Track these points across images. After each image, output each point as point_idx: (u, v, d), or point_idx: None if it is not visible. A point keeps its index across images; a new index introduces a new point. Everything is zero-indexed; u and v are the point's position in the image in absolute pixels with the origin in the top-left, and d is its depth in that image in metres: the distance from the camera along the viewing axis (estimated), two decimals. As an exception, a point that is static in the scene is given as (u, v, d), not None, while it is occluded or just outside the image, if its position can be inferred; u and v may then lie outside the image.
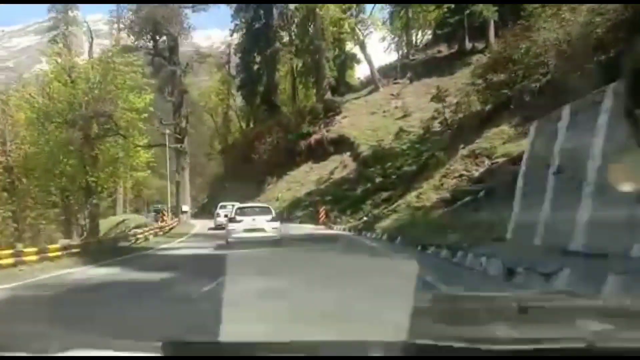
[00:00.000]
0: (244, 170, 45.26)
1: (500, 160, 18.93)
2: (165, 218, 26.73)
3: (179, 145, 29.68)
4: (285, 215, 32.38)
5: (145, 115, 37.84)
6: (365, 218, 22.49)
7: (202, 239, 18.31)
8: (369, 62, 43.48)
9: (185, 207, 29.92)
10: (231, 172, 51.32)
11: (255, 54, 52.54)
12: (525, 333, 1.25)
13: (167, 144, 28.51)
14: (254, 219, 14.79)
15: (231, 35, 56.60)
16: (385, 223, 17.50)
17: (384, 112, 37.69)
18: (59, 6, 54.36)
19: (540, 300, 1.84)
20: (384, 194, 27.89)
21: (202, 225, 27.84)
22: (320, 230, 22.61)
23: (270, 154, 41.87)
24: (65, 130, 30.49)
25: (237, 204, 17.66)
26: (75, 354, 1.21)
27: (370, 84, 44.13)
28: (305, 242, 14.98)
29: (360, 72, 57.44)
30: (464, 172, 20.80)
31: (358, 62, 52.17)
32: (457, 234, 11.59)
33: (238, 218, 15.04)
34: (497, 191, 13.02)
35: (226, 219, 16.75)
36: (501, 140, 20.83)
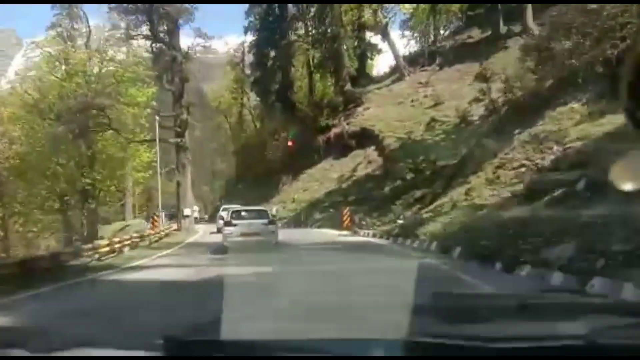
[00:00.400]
0: (257, 170, 41.64)
1: (577, 144, 14.74)
2: (156, 224, 22.81)
3: (178, 140, 25.94)
4: (303, 218, 28.48)
5: (148, 111, 34.68)
6: (400, 221, 18.39)
7: (194, 252, 14.35)
8: (393, 48, 39.42)
9: (187, 211, 26.11)
10: (245, 173, 47.86)
11: (270, 49, 49.07)
12: (525, 330, 1.20)
13: (157, 135, 24.70)
14: (250, 223, 14.31)
15: (245, 33, 53.41)
16: (432, 227, 13.38)
17: (412, 101, 33.57)
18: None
19: (541, 298, 1.57)
20: (417, 193, 23.98)
21: (205, 232, 24.04)
22: (346, 236, 18.52)
23: (285, 151, 38.02)
24: (57, 127, 27.26)
25: (238, 207, 16.63)
26: (76, 354, 1.19)
27: (395, 73, 40.02)
28: (332, 256, 11.04)
29: (382, 63, 53.74)
30: (526, 162, 16.61)
31: (379, 52, 48.17)
32: (565, 243, 7.47)
33: (234, 222, 14.51)
34: (606, 181, 8.73)
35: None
36: (572, 121, 16.60)
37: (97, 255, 11.52)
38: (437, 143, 27.76)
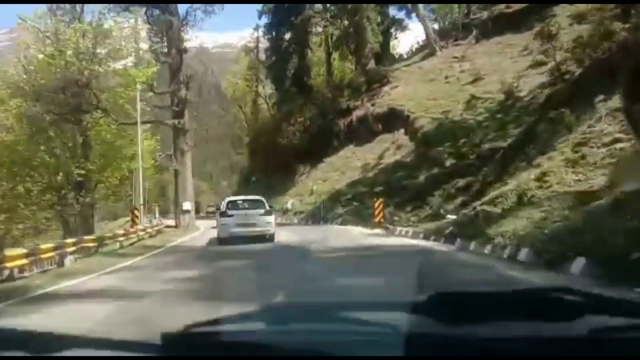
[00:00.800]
0: (272, 159, 37.80)
1: None
2: (136, 220, 18.69)
3: (176, 121, 22.02)
4: (323, 213, 24.57)
5: (152, 94, 31.14)
6: (451, 216, 14.32)
7: (167, 263, 10.18)
8: (422, 21, 34.98)
9: (186, 205, 22.14)
10: (258, 164, 44.13)
11: (285, 31, 45.16)
12: (525, 330, 1.17)
13: (138, 115, 20.55)
14: (246, 213, 13.85)
15: (260, 17, 49.64)
16: (511, 225, 9.25)
17: (447, 77, 29.32)
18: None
19: (541, 297, 1.47)
20: (460, 181, 20.00)
21: (206, 228, 20.27)
22: (378, 236, 14.35)
23: (302, 138, 34.00)
24: (41, 108, 23.75)
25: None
26: (76, 354, 1.21)
27: (424, 49, 35.70)
28: (380, 274, 6.53)
29: (405, 44, 49.43)
30: (621, 135, 12.42)
31: (404, 28, 43.87)
32: None
33: (230, 212, 13.99)
34: None
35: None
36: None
37: (7, 272, 7.66)
38: (479, 123, 23.57)
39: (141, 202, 18.20)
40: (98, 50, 26.84)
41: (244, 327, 1.31)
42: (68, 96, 21.57)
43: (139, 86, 21.73)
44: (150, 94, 30.24)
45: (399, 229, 15.56)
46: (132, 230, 16.22)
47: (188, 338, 1.21)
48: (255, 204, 14.34)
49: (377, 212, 17.24)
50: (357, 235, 14.82)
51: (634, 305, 1.44)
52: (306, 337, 1.19)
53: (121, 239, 14.43)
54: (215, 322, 1.26)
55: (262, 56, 52.41)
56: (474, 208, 15.45)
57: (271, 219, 14.01)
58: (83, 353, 1.20)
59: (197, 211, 49.02)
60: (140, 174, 18.69)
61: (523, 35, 31.07)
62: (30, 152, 27.23)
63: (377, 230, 16.10)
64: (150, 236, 17.49)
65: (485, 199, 15.44)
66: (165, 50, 22.52)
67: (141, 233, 16.80)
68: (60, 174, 28.58)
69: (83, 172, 26.86)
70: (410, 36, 46.23)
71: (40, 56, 28.26)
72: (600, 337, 1.11)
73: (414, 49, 40.57)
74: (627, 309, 1.38)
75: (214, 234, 16.60)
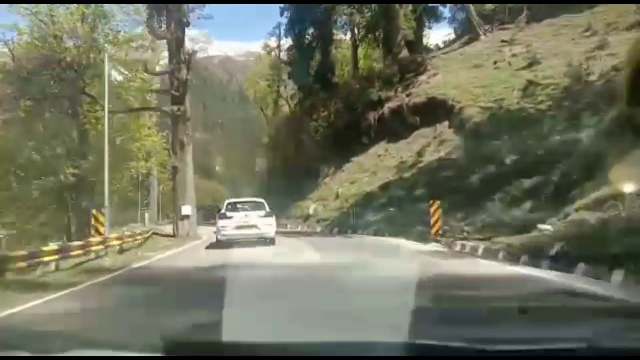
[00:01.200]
0: (292, 160, 34.19)
1: None
2: (102, 230, 13.37)
3: (175, 108, 18.21)
4: (352, 219, 20.67)
5: (157, 85, 28.00)
6: (545, 227, 10.24)
7: (81, 316, 5.34)
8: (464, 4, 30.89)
9: (186, 210, 18.24)
10: (278, 166, 40.55)
11: (307, 26, 41.77)
12: (526, 333, 1.17)
13: (106, 95, 16.02)
14: (246, 215, 13.50)
15: (281, 15, 46.26)
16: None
17: (495, 62, 25.29)
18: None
19: (541, 301, 1.76)
20: (526, 182, 16.21)
21: (207, 239, 16.67)
22: (444, 257, 9.52)
23: (326, 135, 30.19)
24: (20, 94, 20.53)
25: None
26: (76, 354, 1.17)
27: (464, 34, 31.62)
28: None
29: (438, 34, 45.38)
30: None
31: (438, 18, 39.84)
32: None
33: (229, 214, 13.62)
34: None
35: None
36: None
37: None
38: (543, 112, 19.48)
39: (106, 203, 14.21)
40: (95, 35, 23.62)
41: (245, 328, 1.32)
42: (49, 78, 18.14)
43: (107, 47, 18.04)
44: (158, 85, 27.08)
45: (459, 243, 11.49)
46: (78, 244, 10.88)
47: (189, 338, 1.20)
48: (255, 206, 13.99)
49: (433, 220, 13.08)
50: (407, 253, 10.59)
51: (634, 307, 1.35)
52: (306, 337, 1.16)
53: (52, 257, 9.12)
54: (217, 323, 1.24)
55: (284, 56, 49.06)
56: (566, 215, 11.46)
57: (271, 221, 13.73)
58: (84, 353, 1.16)
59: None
60: (106, 169, 14.77)
61: (581, 15, 27.00)
62: (18, 148, 24.13)
63: (433, 246, 11.92)
64: (121, 250, 13.38)
65: (581, 202, 11.40)
66: (165, 27, 18.93)
67: (98, 247, 11.65)
68: (62, 176, 25.49)
69: (76, 171, 23.59)
70: (444, 27, 42.30)
71: (29, 39, 25.13)
72: (602, 340, 1.06)
73: (450, 38, 36.48)
74: (628, 312, 1.36)
75: (212, 243, 14.47)
